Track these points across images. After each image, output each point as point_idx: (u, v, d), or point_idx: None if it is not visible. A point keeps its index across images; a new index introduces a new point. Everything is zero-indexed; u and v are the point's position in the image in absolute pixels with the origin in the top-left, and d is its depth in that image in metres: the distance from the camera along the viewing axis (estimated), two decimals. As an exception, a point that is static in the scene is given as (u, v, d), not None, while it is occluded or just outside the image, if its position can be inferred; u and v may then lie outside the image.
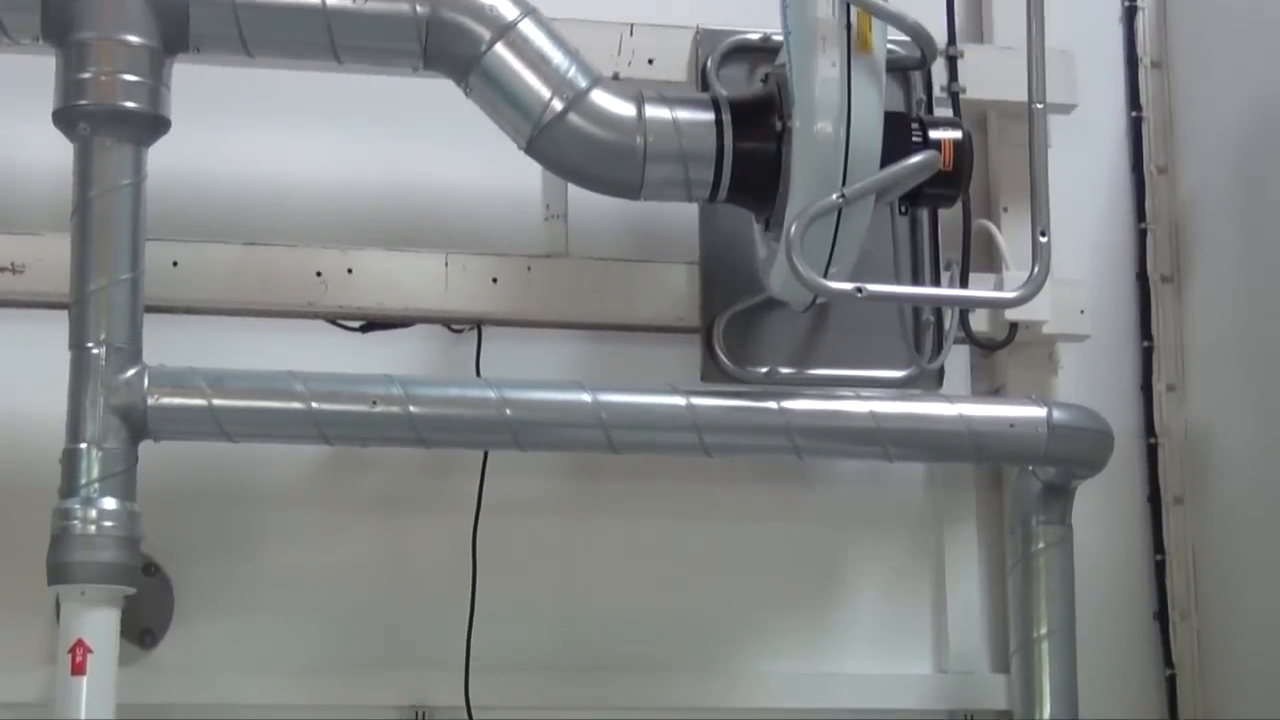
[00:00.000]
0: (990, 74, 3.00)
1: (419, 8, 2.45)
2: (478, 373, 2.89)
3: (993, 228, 3.00)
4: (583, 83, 2.49)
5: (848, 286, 2.43)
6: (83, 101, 2.37)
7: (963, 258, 2.90)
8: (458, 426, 2.60)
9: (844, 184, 2.39)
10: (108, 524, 2.34)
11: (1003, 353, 3.03)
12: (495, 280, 2.81)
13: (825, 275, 2.44)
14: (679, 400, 2.62)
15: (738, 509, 3.03)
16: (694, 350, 2.83)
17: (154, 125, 2.42)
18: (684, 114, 2.53)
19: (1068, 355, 3.07)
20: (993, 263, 3.00)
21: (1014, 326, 2.97)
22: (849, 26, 2.38)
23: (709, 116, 2.53)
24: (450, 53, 2.48)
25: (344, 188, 2.99)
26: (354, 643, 2.91)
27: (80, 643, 2.31)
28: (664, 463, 2.89)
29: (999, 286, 2.95)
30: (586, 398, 2.59)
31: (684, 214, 2.82)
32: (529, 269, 2.83)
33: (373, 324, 2.87)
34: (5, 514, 2.77)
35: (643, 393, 2.64)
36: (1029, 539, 2.85)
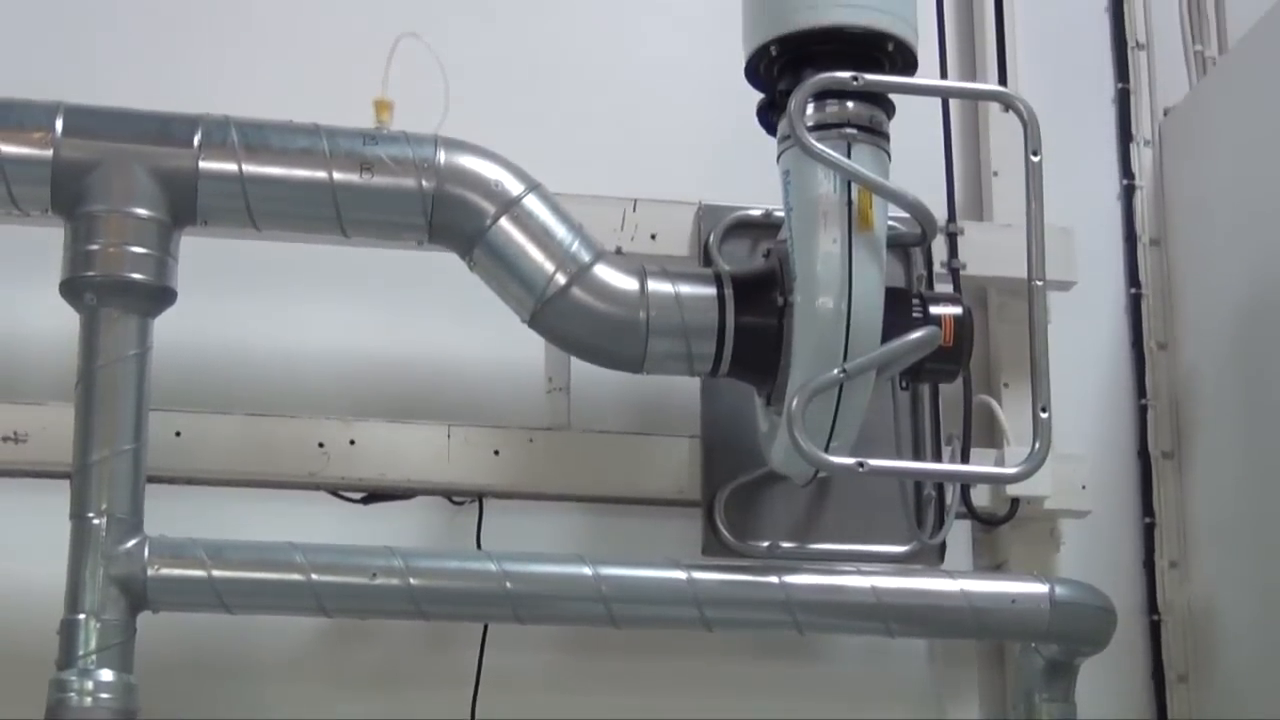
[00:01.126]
0: (990, 251, 3.02)
1: (425, 182, 2.47)
2: (479, 545, 2.88)
3: (994, 403, 3.01)
4: (586, 257, 2.51)
5: (849, 461, 2.43)
6: (90, 272, 2.39)
7: (964, 433, 2.90)
8: (458, 599, 2.58)
9: (845, 359, 2.41)
10: (104, 696, 2.31)
11: (1004, 528, 3.02)
12: (497, 452, 2.81)
13: (826, 450, 2.44)
14: (680, 574, 2.61)
15: (739, 684, 2.99)
16: (695, 524, 2.83)
17: (160, 297, 2.44)
18: (686, 288, 2.55)
19: (1069, 531, 3.06)
20: (994, 438, 3.00)
21: (1015, 502, 2.97)
22: (850, 203, 2.41)
23: (711, 291, 2.55)
24: (455, 227, 2.50)
25: (346, 359, 3.00)
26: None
27: (71, 817, 2.29)
28: (665, 636, 2.87)
29: (1000, 462, 2.95)
30: (587, 571, 2.58)
31: (686, 388, 2.82)
32: (531, 441, 2.83)
33: (374, 495, 2.86)
34: (3, 685, 2.75)
35: (644, 567, 2.63)
36: (1032, 716, 2.82)
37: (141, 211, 2.40)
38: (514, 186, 2.50)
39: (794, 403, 2.40)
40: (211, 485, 2.80)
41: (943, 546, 2.88)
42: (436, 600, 2.55)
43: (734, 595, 2.64)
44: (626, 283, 2.53)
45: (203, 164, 2.43)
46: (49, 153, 2.40)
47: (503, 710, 2.89)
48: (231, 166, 2.44)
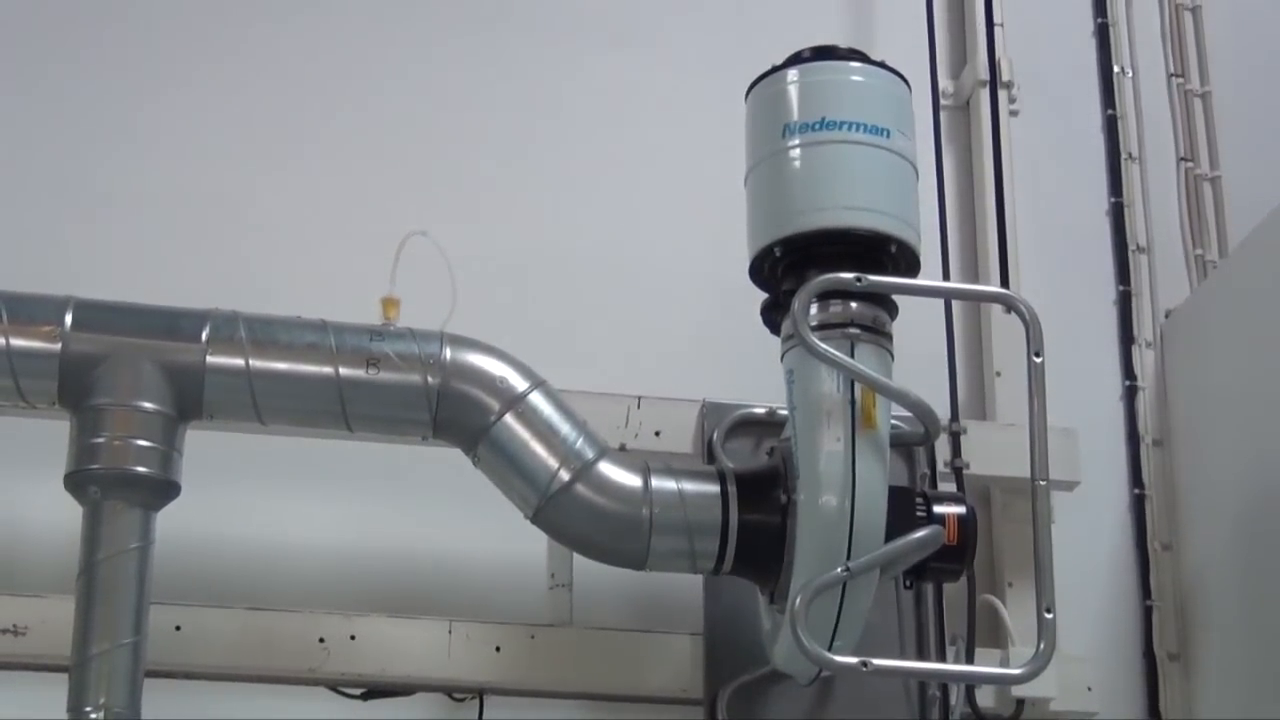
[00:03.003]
0: (993, 450, 3.03)
1: (430, 379, 2.48)
2: (476, 744, 2.86)
3: (998, 603, 3.00)
4: (590, 453, 2.52)
5: (852, 660, 2.41)
6: (95, 465, 2.38)
7: (968, 633, 2.89)
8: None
9: (848, 557, 2.40)
10: None
11: (1010, 729, 3.00)
12: (498, 649, 2.80)
13: (830, 648, 2.43)
14: (682, 773, 2.59)
15: None
16: (699, 721, 2.81)
17: (164, 490, 2.43)
18: (690, 486, 2.55)
19: (1076, 733, 3.04)
20: (998, 638, 2.99)
21: (1021, 703, 2.95)
22: (853, 403, 2.42)
23: (714, 488, 2.55)
24: (460, 422, 2.51)
25: (348, 553, 3.00)
26: None
27: None
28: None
29: (1005, 662, 2.93)
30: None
31: (688, 585, 2.81)
32: (533, 638, 2.82)
33: (374, 691, 2.84)
34: None
35: (644, 765, 2.61)
36: None
37: (148, 405, 2.41)
38: (519, 383, 2.52)
39: (797, 601, 2.39)
40: (211, 680, 2.78)
41: (948, 747, 2.85)
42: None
43: (735, 796, 2.62)
44: (630, 479, 2.53)
45: (210, 359, 2.44)
46: (57, 346, 2.41)
47: None
48: (239, 361, 2.45)
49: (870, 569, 2.41)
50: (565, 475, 2.50)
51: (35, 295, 2.45)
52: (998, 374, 3.24)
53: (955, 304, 3.21)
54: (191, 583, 2.84)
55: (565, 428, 2.52)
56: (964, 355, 3.23)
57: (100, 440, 2.39)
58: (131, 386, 2.40)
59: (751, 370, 2.78)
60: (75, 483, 2.41)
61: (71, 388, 2.41)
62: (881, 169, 2.48)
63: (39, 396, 2.44)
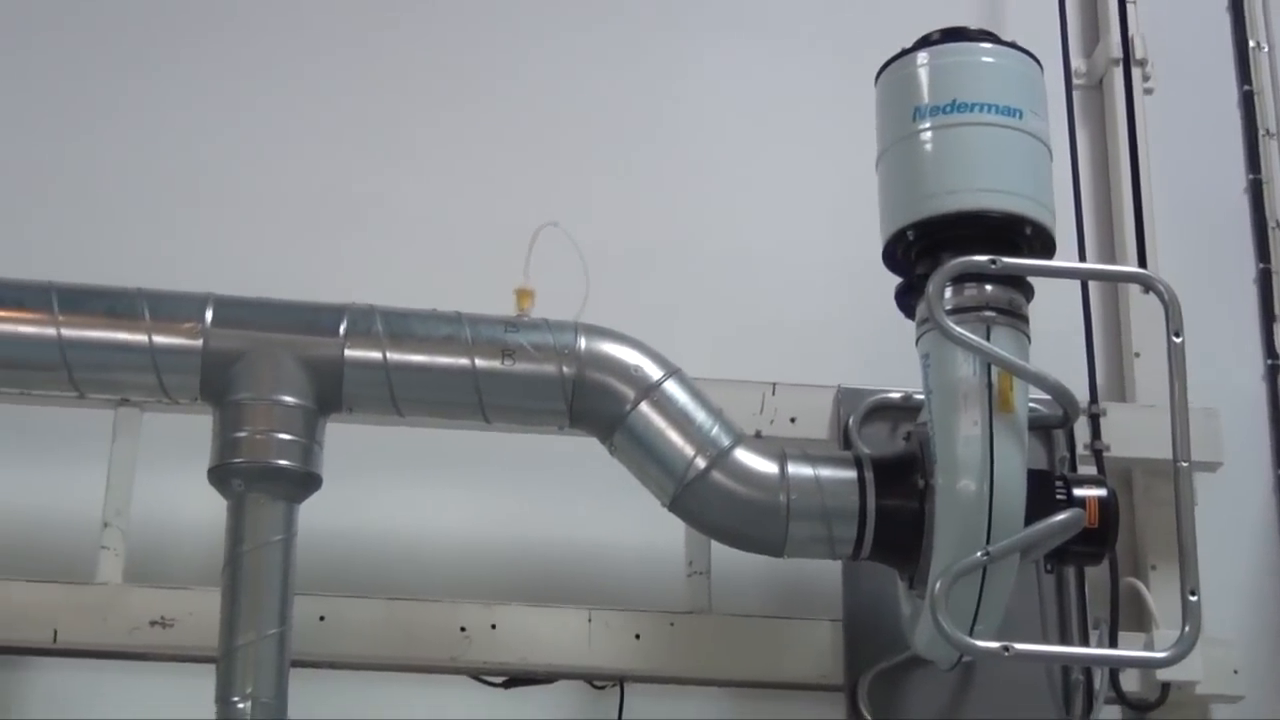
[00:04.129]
0: (1134, 432, 3.00)
1: (566, 369, 2.50)
2: (619, 730, 2.88)
3: (1141, 586, 2.97)
4: (726, 441, 2.52)
5: (994, 645, 2.40)
6: (238, 459, 2.42)
7: (1111, 616, 2.86)
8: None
9: (988, 542, 2.38)
10: None
11: (1155, 714, 2.96)
12: (638, 636, 2.81)
13: (971, 634, 2.41)
14: (823, 760, 2.58)
15: None
16: (838, 709, 2.80)
17: (306, 482, 2.46)
18: (827, 472, 2.54)
19: (1223, 717, 2.99)
20: (1142, 622, 2.96)
21: (1166, 687, 2.92)
22: (990, 386, 2.40)
23: (851, 474, 2.54)
24: (596, 412, 2.52)
25: (487, 543, 3.02)
26: None
27: None
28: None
29: (1149, 646, 2.90)
30: (730, 756, 2.56)
31: (827, 571, 2.81)
32: (672, 625, 2.83)
33: (515, 679, 2.87)
34: None
35: (787, 752, 2.60)
36: None
37: (288, 399, 2.44)
38: (654, 371, 2.52)
39: (937, 586, 2.38)
40: (355, 669, 2.81)
41: (1092, 733, 2.83)
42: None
43: (878, 782, 2.61)
44: (767, 466, 2.53)
45: (348, 352, 2.47)
46: (199, 343, 2.44)
47: None
48: (376, 355, 2.48)
49: (1010, 553, 2.40)
50: (701, 463, 2.50)
51: (176, 293, 2.49)
52: (1137, 355, 3.20)
53: (1092, 285, 3.18)
54: (334, 574, 2.88)
55: (700, 415, 2.52)
56: (1102, 336, 3.20)
57: (242, 434, 2.42)
58: (272, 381, 2.43)
59: (887, 355, 2.77)
60: (219, 477, 2.44)
61: (213, 383, 2.45)
62: (1014, 150, 2.46)
63: (181, 392, 2.48)
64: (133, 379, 2.48)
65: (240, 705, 2.37)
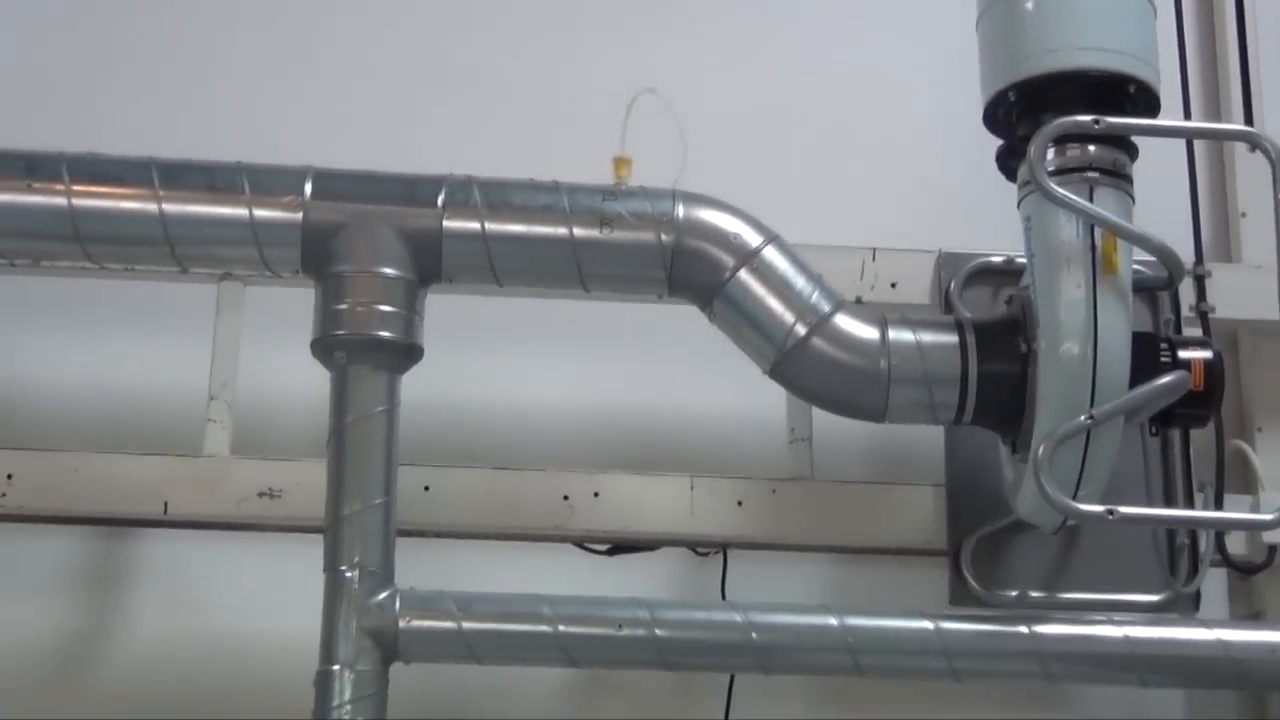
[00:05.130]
0: (1240, 293, 2.96)
1: (664, 237, 2.49)
2: (723, 596, 2.89)
3: (1247, 448, 2.95)
4: (826, 307, 2.51)
5: (1098, 509, 2.39)
6: (340, 331, 2.44)
7: (1216, 479, 2.84)
8: (704, 650, 2.57)
9: (1092, 405, 2.37)
10: (361, 746, 2.35)
11: (1262, 576, 2.94)
12: (740, 503, 2.81)
13: (1075, 497, 2.41)
14: (927, 624, 2.58)
15: (988, 733, 2.97)
16: (941, 574, 2.80)
17: (408, 354, 2.48)
18: (928, 337, 2.53)
19: (1329, 578, 2.98)
20: (1248, 484, 2.94)
21: (1273, 549, 2.90)
22: (1094, 248, 2.38)
23: (953, 339, 2.53)
24: (694, 280, 2.51)
25: (590, 412, 3.04)
26: None
27: None
28: (912, 686, 2.85)
29: (1255, 508, 2.88)
30: (833, 622, 2.56)
31: (929, 436, 2.80)
32: (774, 492, 2.83)
33: (619, 547, 2.89)
34: (264, 734, 2.83)
35: (890, 617, 2.59)
36: (1296, 768, 2.75)
37: (389, 271, 2.45)
38: (752, 238, 2.51)
39: (1040, 450, 2.37)
40: (460, 538, 2.84)
41: (1197, 595, 2.80)
42: (683, 651, 2.54)
43: (983, 645, 2.60)
44: (867, 332, 2.52)
45: (447, 223, 2.47)
46: (298, 216, 2.46)
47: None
48: (475, 225, 2.48)
49: (1114, 416, 2.38)
50: (801, 329, 2.49)
51: (275, 166, 2.50)
52: (1243, 215, 3.16)
53: (1197, 144, 3.13)
54: (438, 444, 2.90)
55: (800, 282, 2.51)
56: (1207, 196, 3.16)
57: (344, 306, 2.44)
58: (372, 253, 2.44)
59: (989, 218, 2.75)
60: (322, 349, 2.46)
61: (313, 256, 2.46)
62: (1116, 7, 2.43)
63: (283, 265, 2.50)
64: (234, 253, 2.50)
65: (348, 574, 2.41)
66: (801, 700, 2.97)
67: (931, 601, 2.71)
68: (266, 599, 2.91)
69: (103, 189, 2.45)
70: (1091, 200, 2.39)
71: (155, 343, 3.04)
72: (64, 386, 3.02)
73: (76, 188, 2.44)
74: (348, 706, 2.36)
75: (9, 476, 2.74)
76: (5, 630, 2.91)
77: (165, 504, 2.76)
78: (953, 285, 2.84)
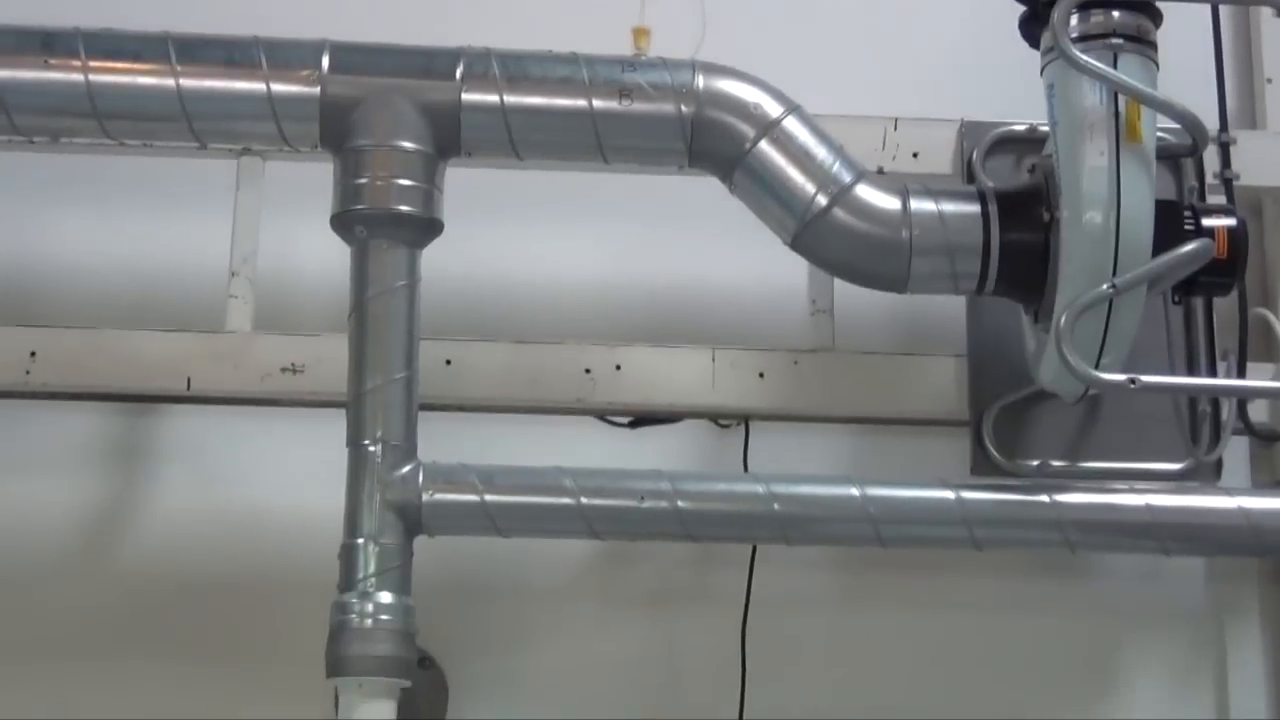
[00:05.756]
0: (1265, 160, 2.95)
1: (684, 108, 2.48)
2: (745, 467, 2.90)
3: (1270, 316, 2.94)
4: (847, 177, 2.50)
5: (1120, 378, 2.39)
6: (359, 206, 2.43)
7: (1239, 347, 2.83)
8: (725, 521, 2.59)
9: (1114, 274, 2.36)
10: (384, 618, 2.36)
11: (1283, 443, 2.96)
12: (762, 375, 2.82)
13: (1097, 366, 2.41)
14: (948, 494, 2.59)
15: (1009, 603, 2.98)
16: (963, 444, 2.80)
17: (428, 228, 2.47)
18: (950, 206, 2.52)
19: (1354, 446, 2.98)
20: (1271, 352, 2.93)
21: (1297, 424, 2.91)
22: (1117, 115, 2.36)
23: (975, 209, 2.52)
24: (715, 151, 2.50)
25: (610, 285, 3.03)
26: (623, 737, 2.93)
27: (358, 733, 2.35)
28: (933, 556, 2.86)
29: (1278, 376, 2.88)
30: (854, 492, 2.57)
31: (951, 306, 2.80)
32: (795, 363, 2.83)
33: (641, 419, 2.89)
34: (287, 607, 2.85)
35: (911, 487, 2.61)
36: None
37: (407, 145, 2.44)
38: (773, 109, 2.49)
39: (1062, 320, 2.37)
40: (481, 412, 2.84)
41: (1219, 463, 2.81)
42: (705, 522, 2.56)
43: (1004, 515, 2.61)
44: (888, 202, 2.51)
45: (465, 96, 2.46)
46: (316, 90, 2.45)
47: (772, 629, 2.92)
48: (493, 98, 2.46)
49: (1137, 285, 2.38)
50: (823, 200, 2.48)
51: (292, 40, 2.48)
52: (1269, 81, 3.13)
53: (1223, 9, 3.08)
54: (459, 318, 2.90)
55: (821, 152, 2.50)
56: (1232, 63, 3.11)
57: (363, 181, 2.43)
58: (390, 126, 2.43)
59: (1011, 86, 2.73)
60: (342, 223, 2.46)
61: (332, 130, 2.45)
62: None
63: (301, 140, 2.49)
64: (252, 128, 2.49)
65: (371, 448, 2.42)
66: (824, 571, 2.98)
67: (953, 472, 2.72)
68: (289, 474, 2.92)
69: (119, 64, 2.44)
70: (1115, 67, 2.37)
71: (176, 219, 3.03)
72: (85, 264, 3.02)
73: (93, 63, 2.43)
74: (373, 579, 2.38)
75: (32, 354, 2.75)
76: (31, 507, 2.93)
77: (188, 380, 2.76)
78: (975, 154, 2.82)
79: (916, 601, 2.98)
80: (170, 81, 2.43)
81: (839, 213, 2.49)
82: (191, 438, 2.96)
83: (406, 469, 2.43)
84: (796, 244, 2.53)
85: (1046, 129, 2.48)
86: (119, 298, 2.99)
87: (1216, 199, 2.85)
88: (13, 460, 2.94)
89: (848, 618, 2.99)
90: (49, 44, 2.44)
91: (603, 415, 2.88)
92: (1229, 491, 2.68)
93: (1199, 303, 2.82)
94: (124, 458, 2.95)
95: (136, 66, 2.44)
